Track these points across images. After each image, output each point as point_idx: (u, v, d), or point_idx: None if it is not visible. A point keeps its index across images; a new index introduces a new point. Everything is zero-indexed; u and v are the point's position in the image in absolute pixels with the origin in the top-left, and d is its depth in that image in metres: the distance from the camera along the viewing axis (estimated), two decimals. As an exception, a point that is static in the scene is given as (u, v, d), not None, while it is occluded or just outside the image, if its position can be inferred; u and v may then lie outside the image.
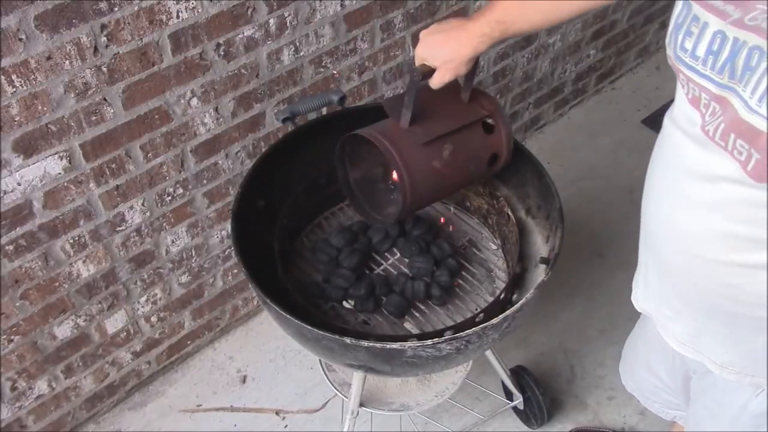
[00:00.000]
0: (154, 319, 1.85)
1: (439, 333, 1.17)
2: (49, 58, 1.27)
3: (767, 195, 0.82)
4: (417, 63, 1.12)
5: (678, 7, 0.90)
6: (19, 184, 1.37)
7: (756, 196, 0.83)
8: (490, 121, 1.22)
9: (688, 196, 0.92)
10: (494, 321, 1.15)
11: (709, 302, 0.98)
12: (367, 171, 1.30)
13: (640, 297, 1.17)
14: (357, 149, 1.24)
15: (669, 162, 0.98)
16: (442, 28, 1.11)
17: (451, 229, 1.55)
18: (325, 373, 1.63)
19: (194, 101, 1.54)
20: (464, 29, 1.07)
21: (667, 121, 0.99)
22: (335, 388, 1.61)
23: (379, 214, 1.29)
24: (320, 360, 1.64)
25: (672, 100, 0.96)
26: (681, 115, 0.93)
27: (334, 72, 1.77)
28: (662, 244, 1.04)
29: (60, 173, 1.42)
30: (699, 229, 0.92)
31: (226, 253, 1.90)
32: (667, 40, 0.92)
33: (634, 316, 2.05)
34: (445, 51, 1.08)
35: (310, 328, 1.13)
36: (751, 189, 0.82)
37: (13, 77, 1.25)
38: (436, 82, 1.10)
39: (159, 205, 1.65)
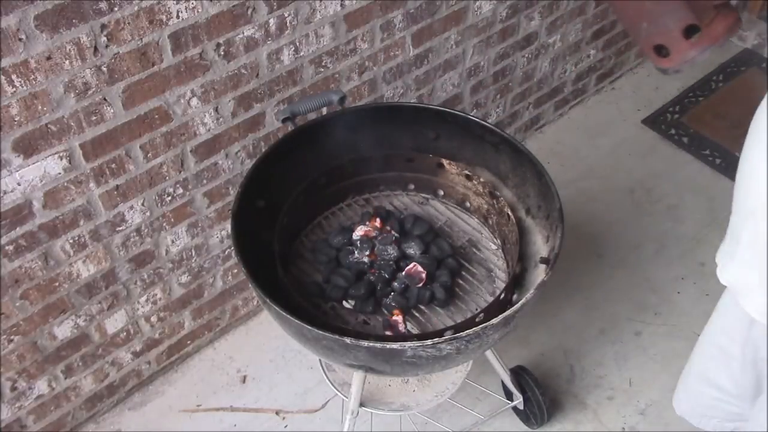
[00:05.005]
0: (154, 319, 1.85)
1: (439, 333, 1.17)
2: (49, 58, 1.27)
3: None
4: None
5: None
6: (19, 184, 1.37)
7: None
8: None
9: None
10: (494, 321, 1.15)
11: None
12: None
13: (727, 268, 1.12)
14: None
15: None
16: None
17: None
18: (325, 373, 1.63)
19: (194, 101, 1.54)
20: None
21: None
22: (335, 388, 1.61)
23: None
24: (320, 360, 1.64)
25: None
26: None
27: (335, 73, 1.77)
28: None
29: (60, 173, 1.42)
30: None
31: (226, 253, 1.90)
32: None
33: (634, 316, 2.03)
34: None
35: (310, 328, 1.13)
36: None
37: (13, 77, 1.25)
38: None
39: (159, 205, 1.65)
